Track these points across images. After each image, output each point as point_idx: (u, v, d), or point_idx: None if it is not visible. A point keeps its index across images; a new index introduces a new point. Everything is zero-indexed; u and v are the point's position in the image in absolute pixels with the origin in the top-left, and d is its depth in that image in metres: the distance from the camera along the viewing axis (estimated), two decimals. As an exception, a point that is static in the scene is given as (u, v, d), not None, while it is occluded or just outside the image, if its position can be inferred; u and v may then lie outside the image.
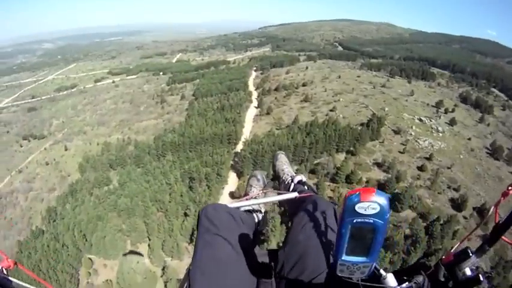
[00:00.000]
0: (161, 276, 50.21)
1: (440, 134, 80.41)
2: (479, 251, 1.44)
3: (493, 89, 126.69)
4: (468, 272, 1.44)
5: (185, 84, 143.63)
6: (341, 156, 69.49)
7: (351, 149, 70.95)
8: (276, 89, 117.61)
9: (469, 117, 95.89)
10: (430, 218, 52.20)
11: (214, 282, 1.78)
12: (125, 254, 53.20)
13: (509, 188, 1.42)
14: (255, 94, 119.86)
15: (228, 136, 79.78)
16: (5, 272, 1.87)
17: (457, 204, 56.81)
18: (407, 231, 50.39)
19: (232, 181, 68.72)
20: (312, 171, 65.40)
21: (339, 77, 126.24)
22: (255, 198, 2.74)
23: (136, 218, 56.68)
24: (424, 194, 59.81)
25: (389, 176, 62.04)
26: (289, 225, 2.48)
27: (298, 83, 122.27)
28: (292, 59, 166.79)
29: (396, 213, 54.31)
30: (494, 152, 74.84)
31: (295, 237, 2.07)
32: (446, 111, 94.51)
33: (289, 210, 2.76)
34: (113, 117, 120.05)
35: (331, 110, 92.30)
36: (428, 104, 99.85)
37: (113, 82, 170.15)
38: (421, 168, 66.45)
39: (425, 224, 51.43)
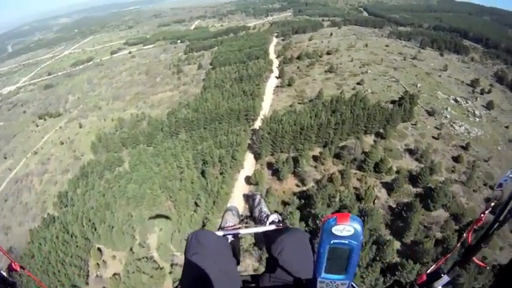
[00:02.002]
0: (170, 272, 45.38)
1: (477, 119, 72.72)
2: (451, 272, 1.60)
3: None
4: None
5: (203, 52, 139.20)
6: (369, 139, 62.61)
7: (381, 131, 63.78)
8: (298, 58, 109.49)
9: (506, 101, 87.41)
10: (463, 220, 45.63)
11: None
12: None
13: (481, 215, 1.60)
14: (276, 63, 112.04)
15: (245, 112, 72.70)
16: (12, 275, 2.01)
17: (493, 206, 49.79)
18: (439, 235, 43.77)
19: (249, 164, 61.80)
20: (337, 156, 58.39)
21: (366, 45, 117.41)
22: (239, 228, 2.94)
23: (145, 208, 53.30)
24: (459, 191, 52.55)
25: (422, 166, 54.92)
26: (267, 253, 2.60)
27: (322, 51, 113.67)
28: (315, 25, 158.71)
29: (427, 212, 47.80)
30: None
31: (275, 263, 2.26)
32: (482, 92, 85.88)
33: (265, 242, 2.85)
34: (129, 90, 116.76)
35: (358, 83, 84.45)
36: (463, 82, 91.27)
37: (130, 53, 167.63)
38: (456, 159, 59.21)
39: (457, 227, 44.94)
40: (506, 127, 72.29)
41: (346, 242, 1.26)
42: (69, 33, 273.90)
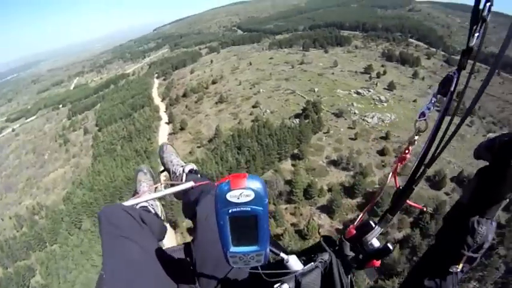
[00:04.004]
0: None
1: (385, 104, 72.68)
2: (382, 221, 1.50)
3: (410, 40, 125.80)
4: (376, 243, 1.51)
5: (86, 113, 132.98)
6: (287, 165, 58.85)
7: (296, 152, 60.22)
8: (184, 95, 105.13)
9: (402, 76, 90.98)
10: (414, 211, 45.11)
11: (131, 286, 1.79)
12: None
13: (406, 152, 1.48)
14: (162, 107, 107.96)
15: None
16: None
17: (436, 183, 51.12)
18: (399, 236, 44.05)
19: (168, 235, 53.19)
20: (260, 197, 52.00)
21: (250, 63, 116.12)
22: (149, 193, 2.71)
23: None
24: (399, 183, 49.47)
25: (352, 174, 53.11)
26: (194, 217, 2.38)
27: (207, 81, 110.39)
28: (194, 55, 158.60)
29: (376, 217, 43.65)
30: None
31: (203, 229, 2.14)
32: (378, 76, 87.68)
33: (187, 201, 2.63)
34: (19, 176, 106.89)
35: (254, 107, 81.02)
36: (356, 72, 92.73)
37: (13, 131, 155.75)
38: (382, 152, 58.25)
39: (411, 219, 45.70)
40: (414, 101, 73.36)
41: (248, 209, 1.07)
42: None
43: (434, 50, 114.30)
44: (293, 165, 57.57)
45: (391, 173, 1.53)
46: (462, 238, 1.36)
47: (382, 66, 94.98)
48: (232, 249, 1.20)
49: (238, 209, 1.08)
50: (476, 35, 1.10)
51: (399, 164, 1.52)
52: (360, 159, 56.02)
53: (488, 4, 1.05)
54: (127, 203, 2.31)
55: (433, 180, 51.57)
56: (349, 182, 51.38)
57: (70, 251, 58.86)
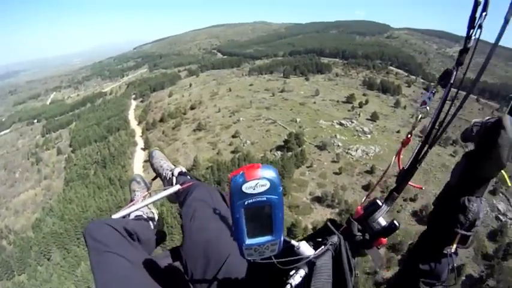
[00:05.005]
0: None
1: (369, 136, 72.41)
2: (389, 199, 1.59)
3: (390, 67, 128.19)
4: (382, 221, 1.58)
5: (60, 132, 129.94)
6: None
7: None
8: (161, 120, 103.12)
9: (384, 105, 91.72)
10: (403, 248, 44.84)
11: None
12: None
13: (409, 135, 1.58)
14: (138, 131, 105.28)
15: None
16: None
17: (423, 217, 50.54)
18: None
19: None
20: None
21: (230, 89, 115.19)
22: (141, 201, 2.71)
23: None
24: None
25: (337, 211, 52.08)
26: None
27: (185, 106, 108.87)
28: (173, 78, 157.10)
29: (364, 257, 43.08)
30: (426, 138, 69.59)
31: (189, 230, 2.13)
32: (360, 105, 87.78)
33: (179, 204, 2.68)
34: None
35: (233, 136, 79.48)
36: (338, 102, 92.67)
37: None
38: (367, 187, 57.13)
39: (399, 257, 44.07)
40: (398, 131, 73.25)
41: (264, 198, 1.10)
42: None
43: (414, 77, 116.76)
44: (275, 202, 55.76)
45: (395, 156, 1.63)
46: (454, 216, 1.43)
47: (364, 95, 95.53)
48: (248, 241, 1.22)
49: (253, 200, 1.10)
50: (473, 37, 1.28)
51: (402, 147, 1.61)
52: (345, 196, 55.07)
53: (484, 13, 1.23)
54: (118, 214, 2.32)
55: (420, 215, 51.12)
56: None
57: (39, 285, 56.92)
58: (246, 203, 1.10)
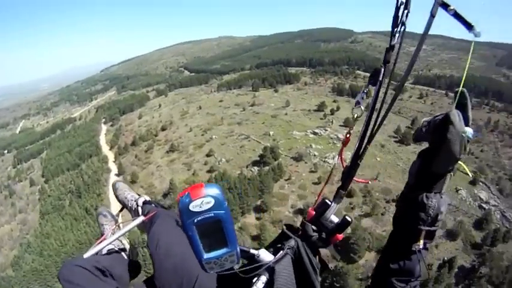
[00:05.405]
0: None
1: None
2: (336, 197, 1.69)
3: (358, 72, 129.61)
4: (335, 219, 1.69)
5: (32, 162, 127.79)
6: (251, 219, 56.35)
7: (259, 203, 57.56)
8: (133, 143, 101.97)
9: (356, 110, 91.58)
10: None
11: None
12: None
13: (348, 135, 1.73)
14: (111, 156, 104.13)
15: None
16: None
17: None
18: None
19: None
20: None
21: (200, 107, 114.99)
22: (111, 235, 2.67)
23: None
24: (371, 224, 52.20)
25: None
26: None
27: (156, 128, 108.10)
28: (141, 99, 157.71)
29: (356, 265, 46.02)
30: (401, 138, 72.94)
31: (157, 258, 2.16)
32: (332, 112, 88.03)
33: (146, 233, 2.69)
34: None
35: (208, 155, 78.44)
36: (310, 110, 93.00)
37: None
38: (349, 194, 56.05)
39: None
40: (373, 136, 74.23)
41: (211, 214, 1.19)
42: None
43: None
44: (257, 218, 55.38)
45: (337, 156, 1.76)
46: (415, 215, 1.49)
47: (334, 101, 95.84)
48: (206, 255, 1.30)
49: (202, 217, 1.17)
50: (397, 35, 1.41)
51: (344, 147, 1.75)
52: (326, 205, 54.09)
53: (406, 11, 1.35)
54: (89, 253, 2.27)
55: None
56: (319, 231, 49.05)
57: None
58: (195, 220, 1.18)
